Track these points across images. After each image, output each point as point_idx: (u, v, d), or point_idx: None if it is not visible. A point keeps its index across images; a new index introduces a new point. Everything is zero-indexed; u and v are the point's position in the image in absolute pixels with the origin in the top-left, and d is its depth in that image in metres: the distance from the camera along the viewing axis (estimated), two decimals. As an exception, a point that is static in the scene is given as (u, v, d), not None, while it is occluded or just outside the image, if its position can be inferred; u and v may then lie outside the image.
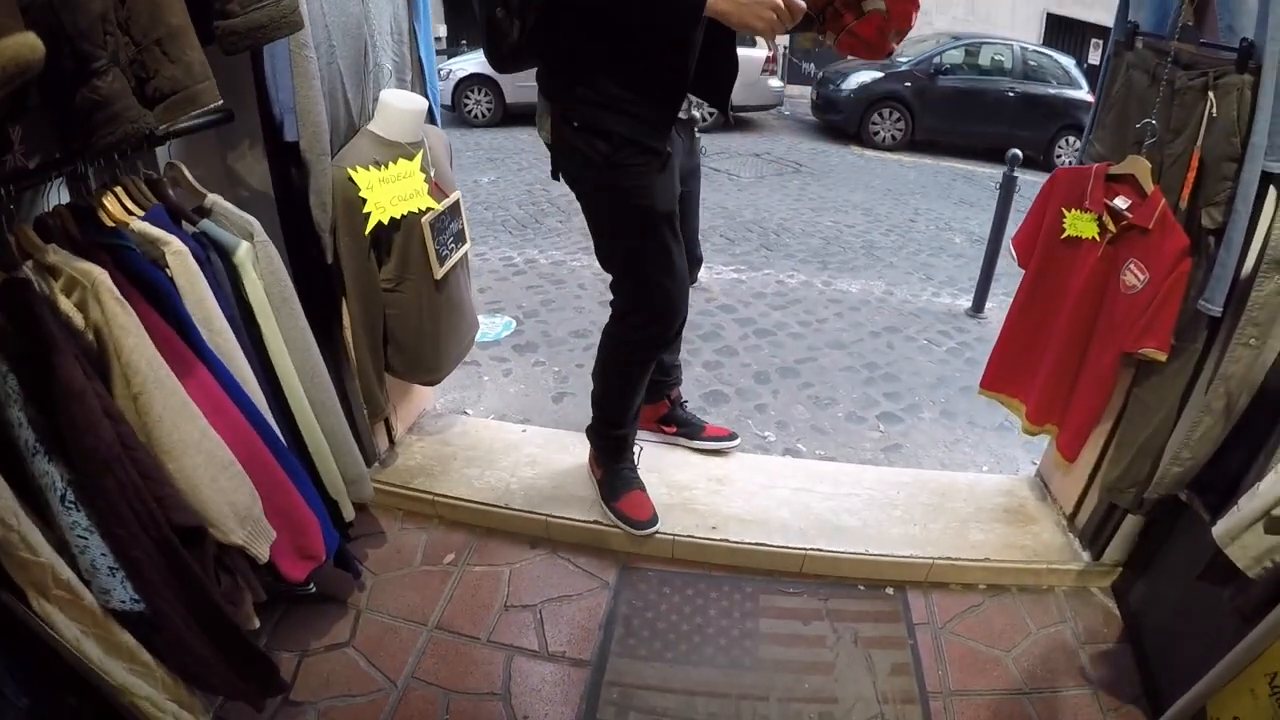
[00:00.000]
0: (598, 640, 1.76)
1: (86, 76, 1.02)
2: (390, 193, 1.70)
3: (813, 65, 13.05)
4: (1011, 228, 2.30)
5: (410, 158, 1.79)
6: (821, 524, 2.01)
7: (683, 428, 2.31)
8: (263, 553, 1.30)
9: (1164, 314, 1.64)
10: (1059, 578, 1.97)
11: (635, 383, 1.94)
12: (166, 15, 1.12)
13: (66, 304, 1.12)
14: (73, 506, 1.06)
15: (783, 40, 13.93)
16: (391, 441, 2.26)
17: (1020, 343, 2.02)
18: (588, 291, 3.99)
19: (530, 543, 2.03)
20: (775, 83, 10.17)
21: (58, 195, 1.29)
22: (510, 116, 9.88)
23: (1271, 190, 1.46)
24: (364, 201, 1.67)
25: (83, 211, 1.23)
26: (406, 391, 2.32)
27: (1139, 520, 1.85)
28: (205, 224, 1.40)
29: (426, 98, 2.02)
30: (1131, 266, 1.71)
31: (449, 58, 10.99)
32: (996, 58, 9.62)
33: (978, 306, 4.09)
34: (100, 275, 1.11)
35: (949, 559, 1.94)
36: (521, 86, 9.78)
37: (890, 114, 9.42)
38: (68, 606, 1.08)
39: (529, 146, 8.38)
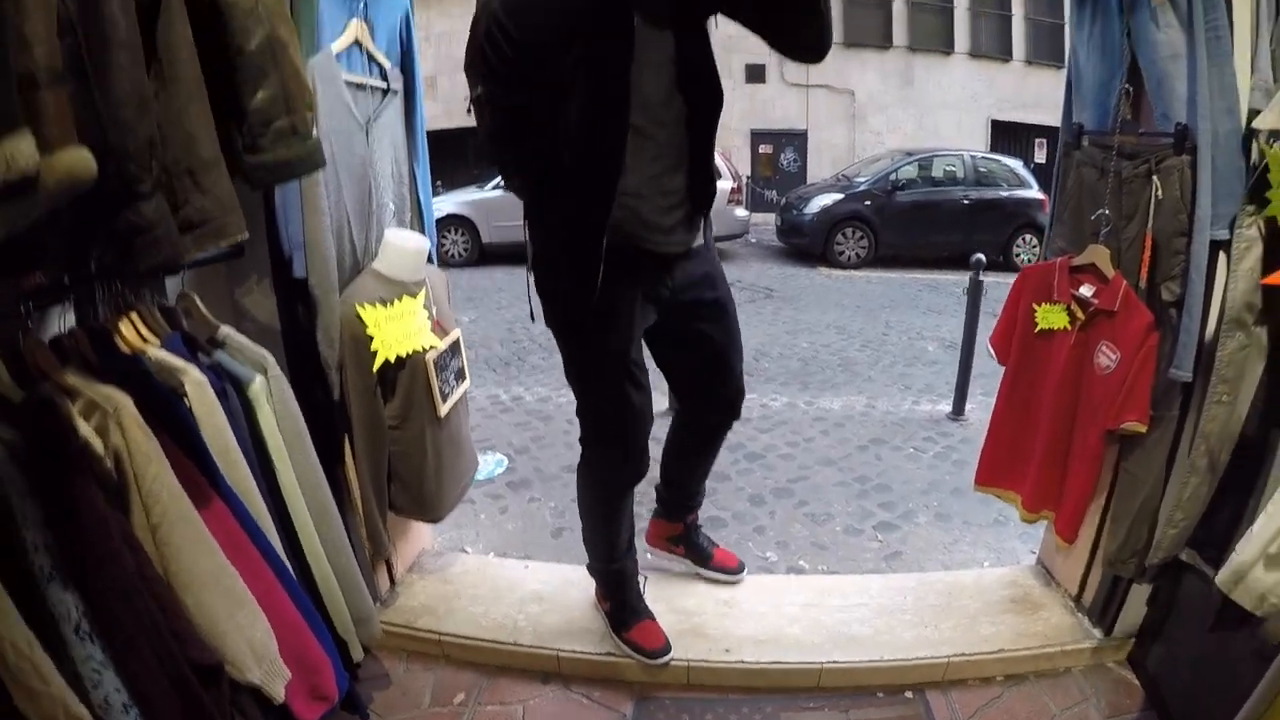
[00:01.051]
0: (619, 773, 1.70)
1: (131, 199, 1.06)
2: (395, 330, 1.78)
3: (775, 192, 13.91)
4: (983, 328, 2.41)
5: (413, 295, 1.87)
6: (834, 636, 2.00)
7: (691, 551, 2.27)
8: (278, 693, 1.26)
9: (1139, 388, 1.76)
10: (1073, 658, 1.97)
11: (610, 518, 1.96)
12: (199, 147, 1.19)
13: (85, 428, 1.11)
14: (87, 638, 1.03)
15: (745, 170, 14.77)
16: (392, 581, 2.22)
17: (1008, 436, 2.11)
18: (576, 427, 3.90)
19: (542, 678, 1.97)
20: (741, 212, 10.73)
21: (62, 321, 1.28)
22: (486, 256, 10.25)
23: (1221, 255, 1.61)
24: (371, 339, 1.74)
25: (98, 335, 1.24)
26: (405, 530, 2.31)
27: (1145, 588, 1.89)
28: (220, 355, 1.44)
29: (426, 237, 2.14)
30: (1103, 348, 1.84)
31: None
32: (949, 168, 10.34)
33: (958, 410, 4.20)
34: (124, 401, 1.14)
35: (963, 655, 1.93)
36: (498, 226, 10.18)
37: (853, 233, 9.94)
38: (78, 746, 1.03)
39: (507, 285, 8.64)
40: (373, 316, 1.74)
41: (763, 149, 15.69)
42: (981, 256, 4.24)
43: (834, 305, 7.51)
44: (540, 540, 2.96)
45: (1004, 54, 15.31)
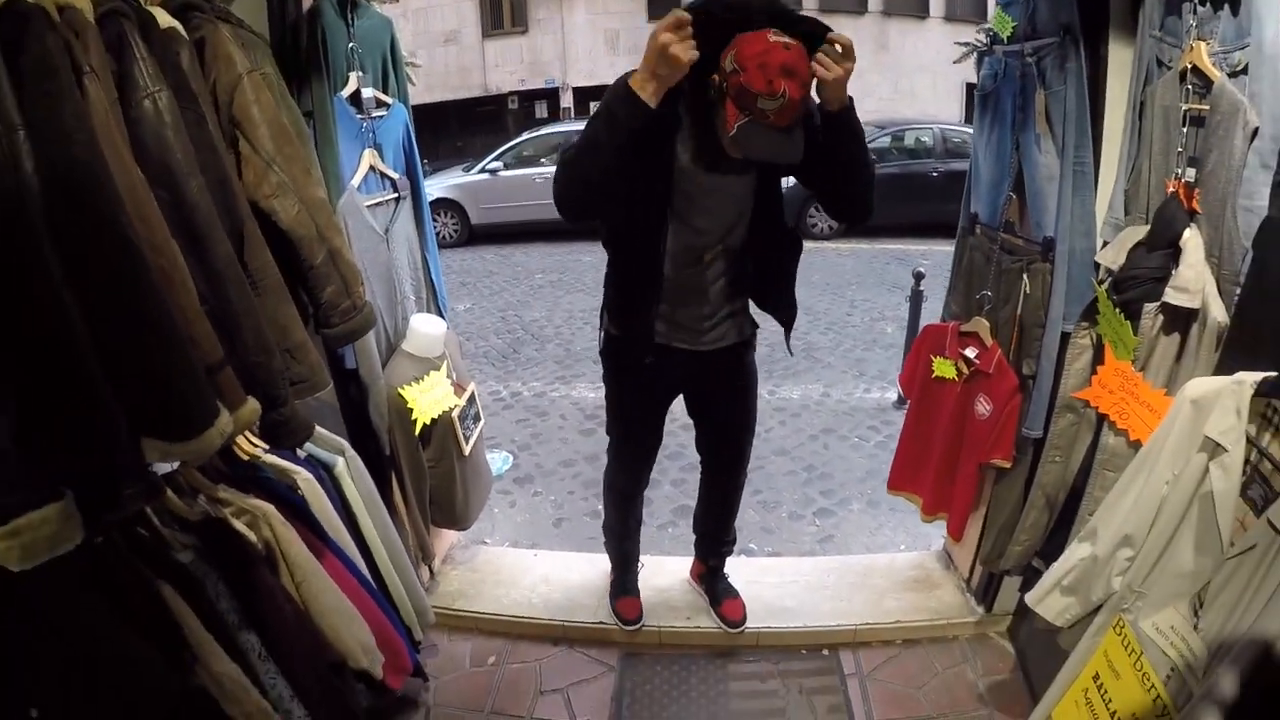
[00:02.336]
0: (611, 710, 2.33)
1: (274, 406, 1.48)
2: (428, 400, 2.35)
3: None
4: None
5: (438, 369, 2.44)
6: (770, 607, 2.61)
7: (708, 592, 2.66)
8: (378, 673, 1.89)
9: (1005, 434, 2.23)
10: (959, 629, 2.56)
11: (613, 508, 2.56)
12: (292, 334, 1.63)
13: (241, 526, 1.67)
14: (266, 659, 1.61)
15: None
16: (431, 573, 2.83)
17: (912, 455, 2.64)
18: (569, 422, 4.53)
19: (553, 641, 2.59)
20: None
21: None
22: (475, 237, 10.74)
23: (1070, 346, 1.97)
24: (412, 411, 2.31)
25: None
26: (439, 530, 2.90)
27: (1016, 578, 2.39)
28: (310, 447, 2.02)
29: (439, 310, 2.69)
30: (981, 399, 2.31)
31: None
32: (921, 139, 10.70)
33: (903, 399, 4.66)
34: (269, 508, 1.71)
35: (869, 624, 2.55)
36: (485, 209, 10.57)
37: (826, 206, 10.21)
38: (263, 727, 1.63)
39: (497, 268, 9.17)
40: (411, 394, 2.32)
41: (740, 115, 15.69)
42: (922, 270, 4.79)
43: (804, 282, 7.46)
44: (545, 530, 3.61)
45: (978, 16, 14.91)
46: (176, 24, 1.49)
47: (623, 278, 2.08)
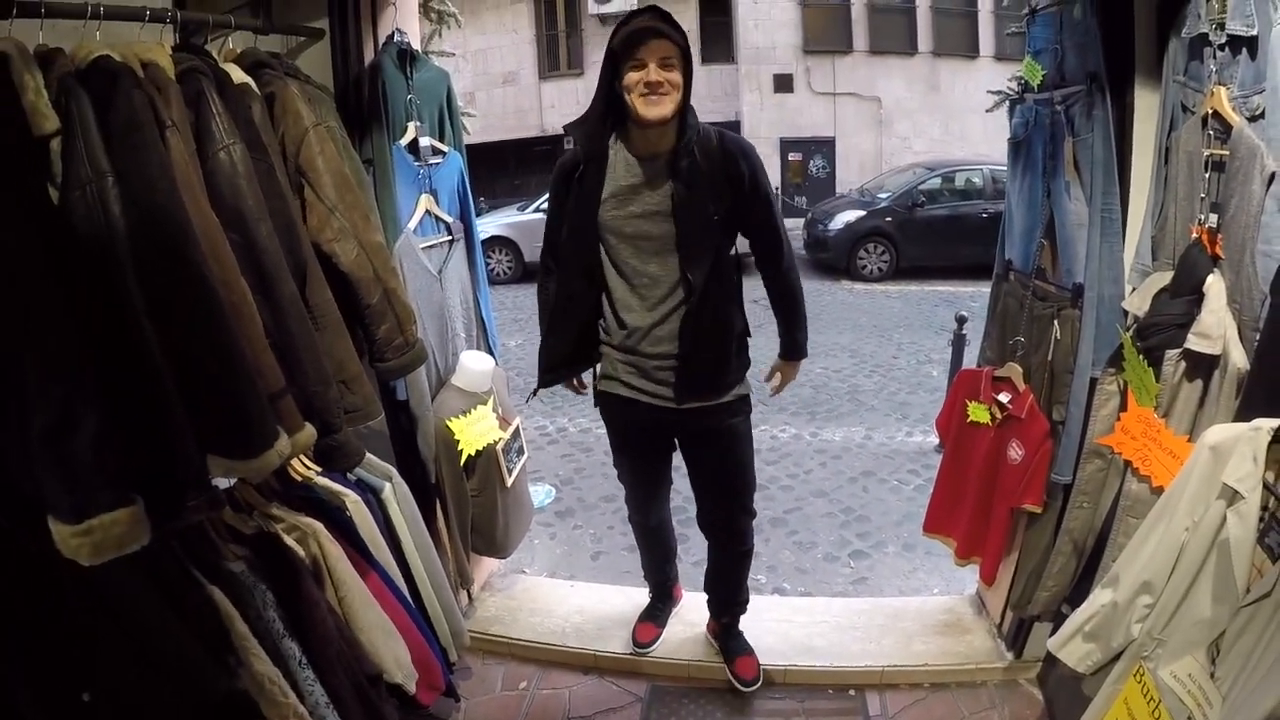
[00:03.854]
0: (637, 741, 2.36)
1: (328, 432, 1.60)
2: (474, 432, 2.46)
3: (805, 198, 14.24)
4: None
5: (485, 403, 2.56)
6: (798, 646, 2.63)
7: (722, 649, 2.60)
8: (411, 688, 1.98)
9: (1036, 479, 2.23)
10: (988, 674, 2.52)
11: (638, 540, 2.65)
12: (348, 366, 1.75)
13: (291, 541, 1.79)
14: (306, 667, 1.71)
15: (775, 178, 14.94)
16: (470, 598, 2.91)
17: (947, 498, 2.64)
18: (611, 459, 4.50)
19: (583, 670, 2.63)
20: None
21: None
22: (529, 274, 10.90)
23: (1098, 392, 1.95)
24: (458, 442, 2.42)
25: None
26: (479, 557, 2.99)
27: (1046, 624, 2.35)
28: (360, 471, 2.14)
29: (489, 347, 2.80)
30: (1013, 444, 2.31)
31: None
32: (971, 180, 10.62)
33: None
34: (318, 526, 1.83)
35: (896, 665, 2.54)
36: (539, 246, 10.85)
37: (876, 248, 10.31)
38: (299, 732, 1.73)
39: (548, 305, 9.29)
40: (458, 426, 2.43)
41: (792, 157, 15.78)
42: (965, 314, 4.82)
43: (851, 326, 7.90)
44: (582, 562, 3.67)
45: (1029, 55, 15.14)
46: (249, 80, 1.65)
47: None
